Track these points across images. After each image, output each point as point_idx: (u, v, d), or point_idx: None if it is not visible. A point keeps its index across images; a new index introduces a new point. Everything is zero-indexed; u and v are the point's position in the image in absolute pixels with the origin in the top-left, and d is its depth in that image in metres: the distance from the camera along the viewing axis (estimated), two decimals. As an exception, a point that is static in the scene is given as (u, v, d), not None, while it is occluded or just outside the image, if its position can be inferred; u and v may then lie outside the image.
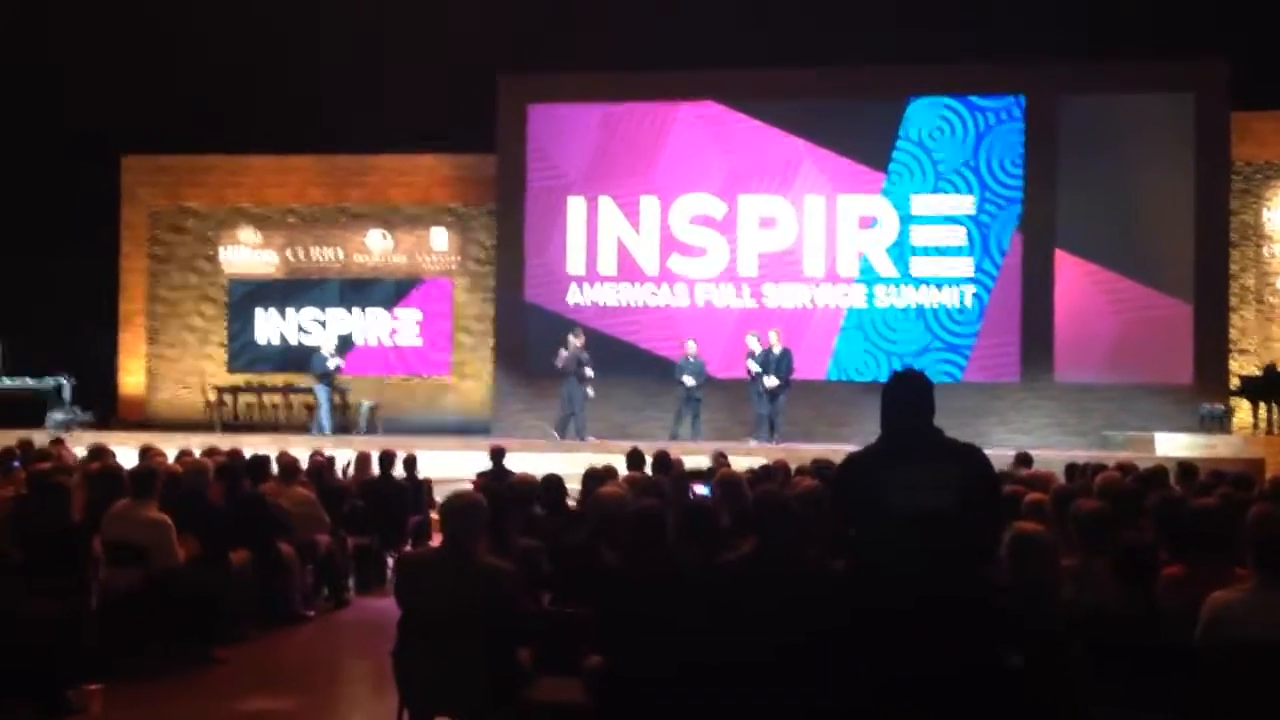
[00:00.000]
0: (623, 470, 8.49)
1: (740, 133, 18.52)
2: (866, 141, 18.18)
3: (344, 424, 18.29)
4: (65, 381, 17.55)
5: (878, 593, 3.98)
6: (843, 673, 4.11)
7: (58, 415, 17.23)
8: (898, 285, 18.17)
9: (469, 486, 9.98)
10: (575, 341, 16.71)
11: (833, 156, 18.27)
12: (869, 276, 18.25)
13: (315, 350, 17.77)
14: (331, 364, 17.33)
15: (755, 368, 16.32)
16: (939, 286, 18.06)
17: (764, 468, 8.63)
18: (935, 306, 18.09)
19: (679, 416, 16.69)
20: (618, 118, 18.79)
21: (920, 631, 3.83)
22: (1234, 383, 17.31)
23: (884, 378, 16.89)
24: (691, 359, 16.83)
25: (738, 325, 17.97)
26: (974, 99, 18.11)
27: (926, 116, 18.20)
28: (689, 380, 16.60)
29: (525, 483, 7.22)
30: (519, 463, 10.95)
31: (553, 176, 18.90)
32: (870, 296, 18.21)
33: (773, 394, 16.23)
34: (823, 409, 17.66)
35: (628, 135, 18.76)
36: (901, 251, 18.16)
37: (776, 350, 16.38)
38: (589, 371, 16.55)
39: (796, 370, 16.52)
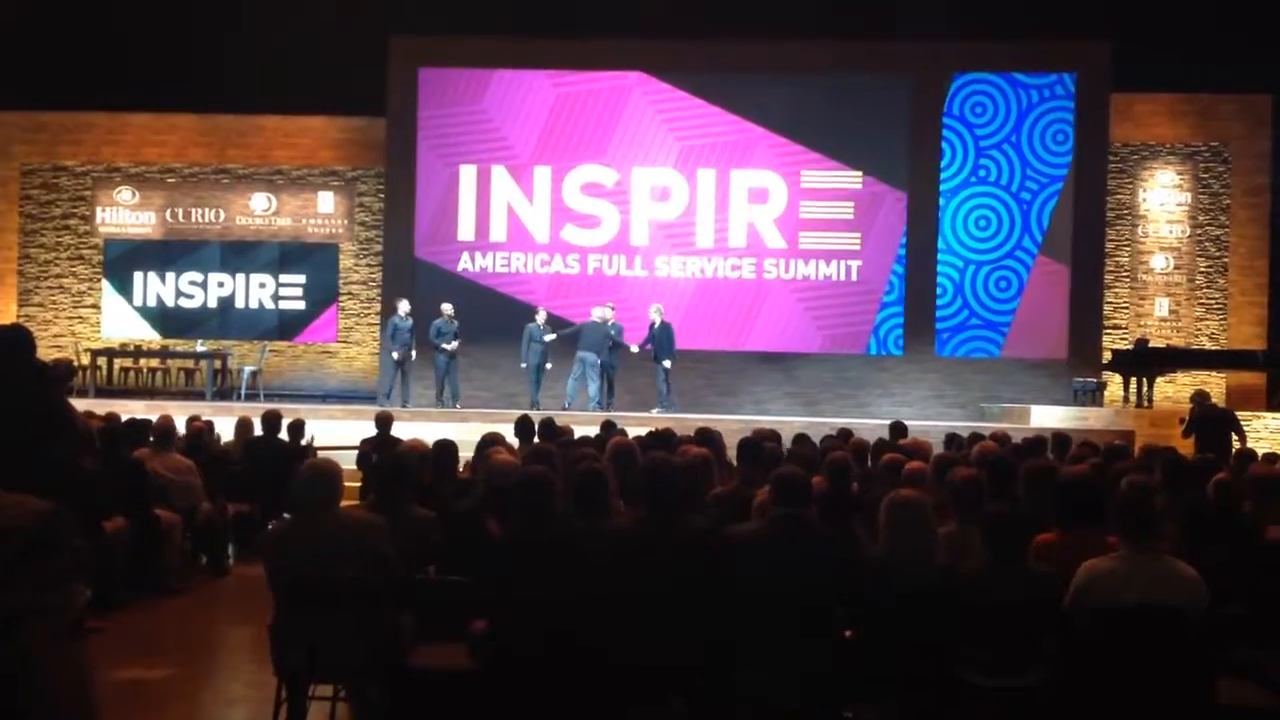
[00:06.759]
0: (510, 438, 8.45)
1: (651, 103, 18.43)
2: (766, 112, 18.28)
3: (224, 390, 17.96)
4: None
5: None
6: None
7: None
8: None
9: (354, 454, 9.90)
10: (447, 310, 16.58)
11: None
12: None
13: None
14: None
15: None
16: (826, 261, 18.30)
17: (651, 434, 8.66)
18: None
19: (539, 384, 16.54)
20: (515, 85, 18.53)
21: None
22: (1106, 357, 17.84)
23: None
24: (539, 326, 16.67)
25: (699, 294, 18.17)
26: (861, 79, 18.27)
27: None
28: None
29: (415, 450, 7.12)
30: (405, 431, 10.85)
31: (444, 142, 18.59)
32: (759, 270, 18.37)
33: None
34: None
35: (524, 103, 18.52)
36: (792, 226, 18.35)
37: (657, 324, 16.53)
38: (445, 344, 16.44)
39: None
